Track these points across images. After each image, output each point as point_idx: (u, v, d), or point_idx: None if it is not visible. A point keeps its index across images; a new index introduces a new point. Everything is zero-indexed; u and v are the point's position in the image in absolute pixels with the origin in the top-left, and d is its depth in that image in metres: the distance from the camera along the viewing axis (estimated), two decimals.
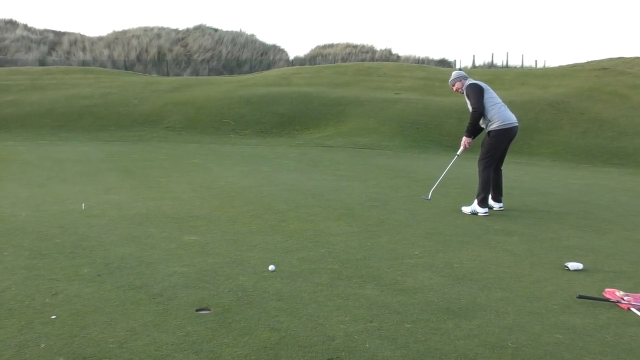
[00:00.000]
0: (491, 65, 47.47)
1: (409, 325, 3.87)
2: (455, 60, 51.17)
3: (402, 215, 7.55)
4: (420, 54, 61.97)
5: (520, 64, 45.56)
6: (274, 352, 3.42)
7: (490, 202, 7.95)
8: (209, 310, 4.02)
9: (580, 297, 4.51)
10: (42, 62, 49.91)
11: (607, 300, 4.50)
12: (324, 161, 13.19)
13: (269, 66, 47.51)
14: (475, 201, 7.74)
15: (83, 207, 7.45)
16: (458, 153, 8.32)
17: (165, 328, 3.67)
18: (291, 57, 54.78)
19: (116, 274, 4.76)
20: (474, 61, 50.05)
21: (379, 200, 8.65)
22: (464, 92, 7.72)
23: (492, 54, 56.54)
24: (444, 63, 51.27)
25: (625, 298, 4.48)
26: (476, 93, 7.60)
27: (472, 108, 7.57)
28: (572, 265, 5.39)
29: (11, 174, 10.92)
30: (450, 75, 7.96)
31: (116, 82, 27.81)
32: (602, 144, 17.97)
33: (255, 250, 5.57)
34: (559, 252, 6.00)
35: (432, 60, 52.17)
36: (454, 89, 7.92)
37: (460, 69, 6.49)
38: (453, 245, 6.10)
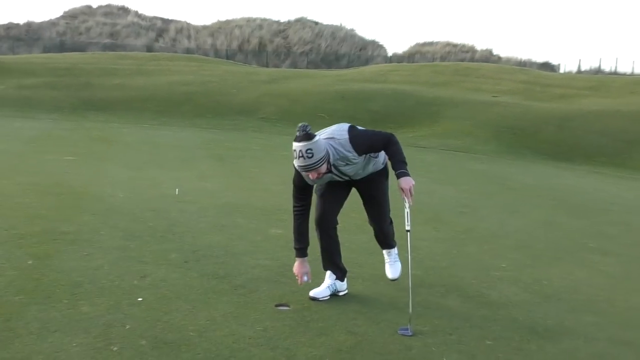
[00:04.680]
0: (598, 71, 45.41)
1: (489, 342, 3.74)
2: (559, 64, 49.32)
3: (492, 224, 7.33)
4: (523, 56, 60.16)
5: (631, 71, 43.28)
6: (350, 356, 3.40)
7: (334, 283, 4.35)
8: (288, 306, 4.05)
9: None
10: (149, 48, 51.94)
11: None
12: (415, 162, 12.95)
13: (366, 61, 47.43)
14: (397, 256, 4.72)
15: (177, 192, 7.69)
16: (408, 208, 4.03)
17: (244, 321, 3.72)
18: (389, 53, 54.42)
19: (202, 261, 4.87)
20: (579, 66, 48.05)
21: (469, 206, 8.44)
22: (346, 154, 3.92)
23: (600, 58, 54.06)
24: (547, 66, 49.52)
25: None
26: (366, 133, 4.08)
27: (387, 134, 4.05)
28: None
29: (113, 155, 11.44)
30: (312, 149, 3.73)
31: (217, 71, 28.56)
32: None
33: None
34: None
35: (535, 63, 50.50)
36: (318, 172, 3.84)
37: (305, 132, 3.72)
38: (543, 261, 5.87)
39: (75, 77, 25.66)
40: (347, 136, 3.91)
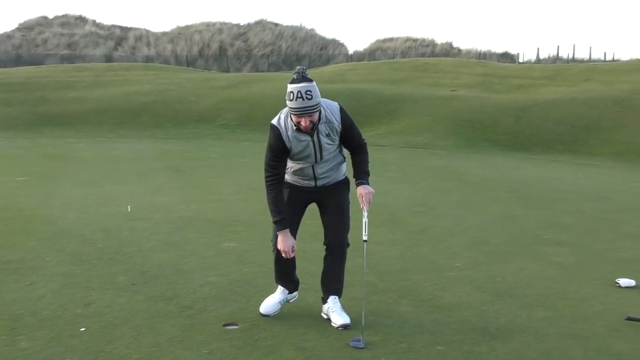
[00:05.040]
0: (556, 59, 46.13)
1: (440, 348, 3.72)
2: (518, 54, 49.92)
3: (448, 222, 7.35)
4: (483, 47, 60.85)
5: (588, 57, 44.06)
6: None
7: (286, 298, 4.25)
8: (236, 325, 3.97)
9: (629, 318, 4.26)
10: (108, 57, 51.16)
11: None
12: (374, 161, 12.75)
13: (328, 60, 47.45)
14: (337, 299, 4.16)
15: (129, 210, 7.55)
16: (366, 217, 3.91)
17: (190, 344, 3.63)
18: (350, 51, 54.53)
19: (150, 283, 4.76)
20: (538, 54, 48.78)
21: (426, 204, 8.45)
22: (333, 120, 3.83)
23: (558, 46, 54.94)
24: (506, 56, 50.13)
25: None
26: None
27: (363, 142, 4.03)
28: (624, 281, 5.11)
29: (67, 172, 11.20)
30: (312, 92, 3.61)
31: (175, 79, 28.26)
32: None
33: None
34: (612, 265, 5.71)
35: (495, 54, 51.06)
36: (311, 119, 3.70)
37: (303, 75, 3.64)
38: (498, 257, 5.89)
39: (30, 92, 25.14)
40: (337, 105, 3.87)
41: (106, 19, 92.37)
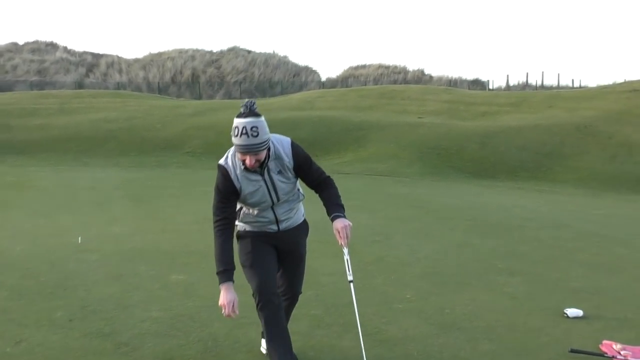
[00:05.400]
0: (525, 86, 46.98)
1: None
2: (488, 81, 50.71)
3: (403, 252, 7.31)
4: (454, 74, 61.67)
5: (557, 83, 44.96)
6: None
7: None
8: None
9: (573, 351, 4.22)
10: (79, 84, 50.74)
11: (603, 354, 4.20)
12: (344, 188, 12.85)
13: (300, 87, 47.66)
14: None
15: (79, 241, 7.38)
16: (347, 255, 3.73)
17: None
18: (323, 78, 54.90)
19: (89, 318, 4.62)
20: (507, 81, 49.59)
21: (383, 233, 8.41)
22: (283, 156, 3.53)
23: (527, 73, 55.93)
24: (477, 83, 50.89)
25: (622, 352, 4.18)
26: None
27: (325, 176, 3.73)
28: (572, 312, 5.09)
29: (22, 202, 10.98)
30: (258, 128, 3.31)
31: (142, 106, 28.11)
32: (630, 170, 17.45)
33: (239, 291, 5.38)
34: (563, 294, 5.70)
35: (465, 81, 51.82)
36: (257, 158, 3.38)
37: (251, 109, 3.35)
38: (449, 287, 5.84)
39: None
40: (289, 140, 3.54)
41: (78, 46, 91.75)
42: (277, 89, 50.93)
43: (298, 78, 56.37)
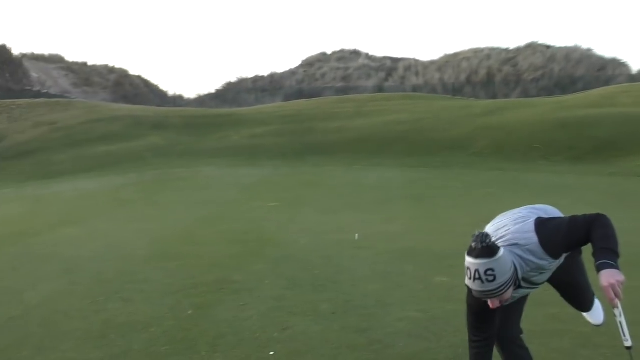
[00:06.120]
0: None
1: None
2: None
3: None
4: None
5: None
6: None
7: None
8: None
9: None
10: (379, 88, 53.63)
11: None
12: (624, 194, 11.52)
13: (606, 82, 43.92)
14: None
15: (356, 238, 7.75)
16: (621, 316, 2.70)
17: None
18: (634, 70, 49.87)
19: (350, 313, 4.81)
20: None
21: None
22: (539, 263, 2.79)
23: None
24: None
25: None
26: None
27: (592, 216, 2.81)
28: None
29: (314, 199, 11.95)
30: (495, 270, 2.58)
31: (432, 108, 28.62)
32: None
33: None
34: None
35: None
36: (500, 299, 2.70)
37: (483, 244, 2.52)
38: None
39: (299, 123, 27.53)
40: (535, 240, 2.73)
41: (378, 52, 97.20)
42: (578, 85, 47.71)
43: (603, 72, 52.22)
